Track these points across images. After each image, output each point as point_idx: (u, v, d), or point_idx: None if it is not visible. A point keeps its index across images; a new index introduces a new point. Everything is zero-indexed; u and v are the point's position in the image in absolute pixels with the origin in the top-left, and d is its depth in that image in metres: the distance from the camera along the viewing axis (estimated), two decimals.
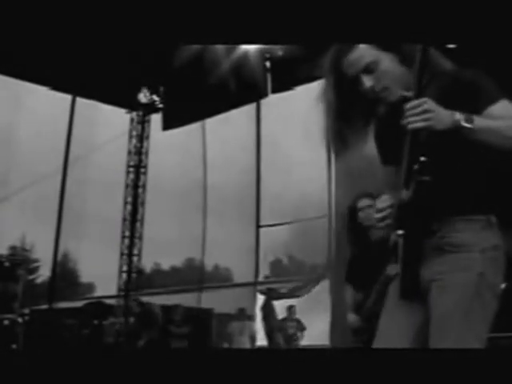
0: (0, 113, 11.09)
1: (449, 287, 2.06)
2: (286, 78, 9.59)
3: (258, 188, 11.36)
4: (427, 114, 1.97)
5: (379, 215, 2.18)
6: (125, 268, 11.59)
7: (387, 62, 2.20)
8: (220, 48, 9.48)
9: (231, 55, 9.67)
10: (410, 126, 2.00)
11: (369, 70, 2.18)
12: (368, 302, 4.25)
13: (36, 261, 18.21)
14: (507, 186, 2.16)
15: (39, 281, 18.01)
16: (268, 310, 10.08)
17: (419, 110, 1.98)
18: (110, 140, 11.52)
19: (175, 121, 11.16)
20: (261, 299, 10.42)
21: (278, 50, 9.72)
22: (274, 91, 10.21)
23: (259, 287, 11.08)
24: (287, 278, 12.42)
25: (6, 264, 8.46)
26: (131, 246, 11.59)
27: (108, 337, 9.13)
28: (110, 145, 11.52)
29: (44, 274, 15.82)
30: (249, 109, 11.17)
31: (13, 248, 14.71)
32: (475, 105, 2.05)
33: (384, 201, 2.19)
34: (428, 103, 1.98)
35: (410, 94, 2.05)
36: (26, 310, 8.40)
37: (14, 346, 7.92)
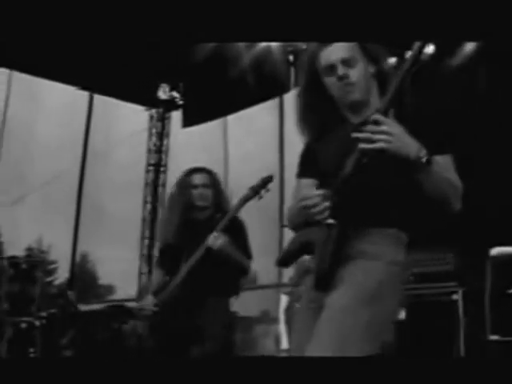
0: (17, 110, 10.95)
1: (345, 288, 2.10)
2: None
3: (282, 186, 11.12)
4: (387, 136, 1.97)
5: (314, 210, 2.13)
6: (144, 269, 11.33)
7: (364, 65, 2.28)
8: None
9: (252, 49, 9.46)
10: (363, 146, 2.00)
11: (347, 62, 2.26)
12: (170, 287, 3.97)
13: (53, 262, 18.17)
14: (426, 209, 2.17)
15: (57, 283, 17.89)
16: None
17: (379, 129, 1.97)
18: (129, 138, 11.37)
19: (196, 118, 10.95)
20: (285, 301, 10.15)
21: (302, 44, 9.47)
22: (298, 85, 9.94)
23: (283, 289, 10.83)
24: None
25: (23, 266, 8.35)
26: (151, 247, 11.35)
27: (129, 340, 8.93)
28: (129, 143, 11.38)
29: (62, 275, 15.69)
30: (271, 104, 10.92)
31: (30, 249, 14.66)
32: (430, 147, 2.05)
33: (314, 195, 2.16)
34: (391, 126, 1.99)
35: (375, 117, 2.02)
36: (44, 313, 8.24)
37: (31, 350, 7.79)
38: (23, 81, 10.24)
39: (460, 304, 4.90)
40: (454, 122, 2.32)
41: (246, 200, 3.88)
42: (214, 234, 3.82)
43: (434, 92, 2.28)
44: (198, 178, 4.11)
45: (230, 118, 11.29)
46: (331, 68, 2.29)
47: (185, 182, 4.13)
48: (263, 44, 9.36)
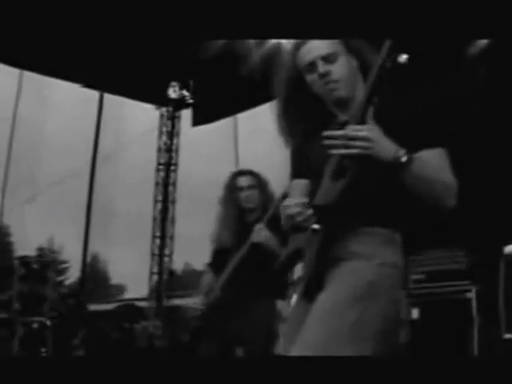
0: (27, 110, 10.97)
1: (332, 289, 2.05)
2: None
3: None
4: (366, 142, 1.93)
5: (290, 211, 2.07)
6: (156, 269, 11.32)
7: (346, 60, 2.22)
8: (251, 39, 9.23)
9: (262, 46, 9.41)
10: (344, 152, 1.95)
11: (328, 59, 2.21)
12: (216, 288, 4.04)
13: (65, 262, 18.23)
14: (418, 207, 2.11)
15: (68, 282, 17.95)
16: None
17: (358, 135, 1.94)
18: (139, 137, 11.35)
19: (206, 116, 10.89)
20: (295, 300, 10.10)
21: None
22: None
23: (293, 288, 10.77)
24: None
25: (35, 266, 8.38)
26: (162, 246, 11.33)
27: (140, 340, 8.92)
28: (139, 142, 11.35)
29: (73, 275, 15.74)
30: None
31: (41, 249, 14.71)
32: (417, 140, 2.03)
33: (296, 204, 2.09)
34: (370, 131, 1.95)
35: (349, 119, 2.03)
36: (55, 313, 8.25)
37: (42, 350, 7.81)
38: (33, 81, 10.24)
39: (473, 302, 4.85)
40: (448, 118, 2.23)
41: (284, 197, 3.90)
42: (258, 226, 3.84)
43: (423, 90, 2.21)
44: (243, 181, 4.13)
45: (240, 116, 11.24)
46: (311, 65, 2.23)
47: (231, 186, 4.16)
48: (273, 41, 9.31)
